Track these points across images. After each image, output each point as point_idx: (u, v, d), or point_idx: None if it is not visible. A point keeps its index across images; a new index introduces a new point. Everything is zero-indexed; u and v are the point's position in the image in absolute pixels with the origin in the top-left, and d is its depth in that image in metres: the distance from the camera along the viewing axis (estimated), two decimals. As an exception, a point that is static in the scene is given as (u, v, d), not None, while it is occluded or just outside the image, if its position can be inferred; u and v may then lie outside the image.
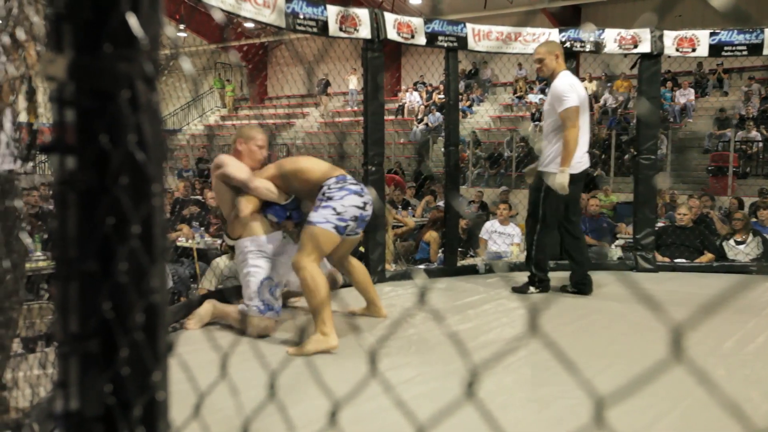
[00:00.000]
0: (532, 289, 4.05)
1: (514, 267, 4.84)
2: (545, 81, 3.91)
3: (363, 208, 3.01)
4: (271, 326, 3.04)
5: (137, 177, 0.65)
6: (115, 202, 0.65)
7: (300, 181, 3.07)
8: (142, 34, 0.63)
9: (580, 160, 3.83)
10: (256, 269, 3.06)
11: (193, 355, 2.62)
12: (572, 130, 3.68)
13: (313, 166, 3.09)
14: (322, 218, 2.92)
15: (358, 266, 3.42)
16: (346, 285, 3.92)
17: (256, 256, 3.08)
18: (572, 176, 3.76)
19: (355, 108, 16.34)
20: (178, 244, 5.85)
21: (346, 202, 2.94)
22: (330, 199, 2.95)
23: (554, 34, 4.88)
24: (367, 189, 3.12)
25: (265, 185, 3.11)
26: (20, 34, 1.60)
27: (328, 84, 17.24)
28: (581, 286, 4.03)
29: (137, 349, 0.65)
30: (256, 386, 0.93)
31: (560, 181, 3.71)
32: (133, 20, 0.63)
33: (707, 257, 5.21)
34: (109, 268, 0.65)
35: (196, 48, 18.91)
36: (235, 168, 3.12)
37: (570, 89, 3.73)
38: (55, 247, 0.67)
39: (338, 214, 2.92)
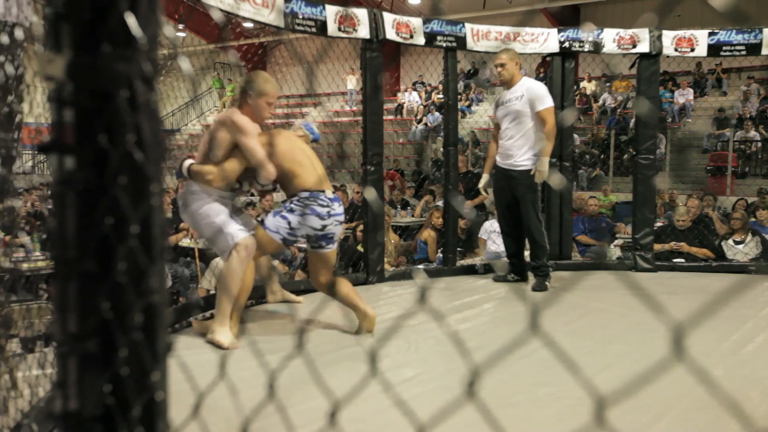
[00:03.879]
0: (547, 283, 4.15)
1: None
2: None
3: (321, 229, 3.01)
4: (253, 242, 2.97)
5: (136, 177, 0.65)
6: (114, 201, 0.64)
7: (285, 176, 3.02)
8: (140, 33, 0.63)
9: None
10: (217, 211, 2.97)
11: (193, 355, 2.63)
12: (553, 126, 4.08)
13: (305, 172, 3.01)
14: (274, 227, 3.00)
15: (341, 282, 3.18)
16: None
17: (213, 201, 2.98)
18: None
19: (354, 108, 16.32)
20: (180, 244, 5.85)
21: (304, 220, 2.98)
22: (291, 211, 2.99)
23: (553, 34, 4.90)
24: (339, 205, 3.06)
25: (272, 170, 2.98)
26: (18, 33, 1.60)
27: None
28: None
29: (136, 349, 0.65)
30: (256, 386, 0.93)
31: (543, 168, 4.03)
32: (131, 20, 0.63)
33: (704, 251, 5.22)
34: (108, 268, 0.65)
35: (194, 48, 18.89)
36: (254, 143, 2.94)
37: (547, 91, 4.17)
38: (54, 247, 0.67)
39: (291, 229, 2.99)
